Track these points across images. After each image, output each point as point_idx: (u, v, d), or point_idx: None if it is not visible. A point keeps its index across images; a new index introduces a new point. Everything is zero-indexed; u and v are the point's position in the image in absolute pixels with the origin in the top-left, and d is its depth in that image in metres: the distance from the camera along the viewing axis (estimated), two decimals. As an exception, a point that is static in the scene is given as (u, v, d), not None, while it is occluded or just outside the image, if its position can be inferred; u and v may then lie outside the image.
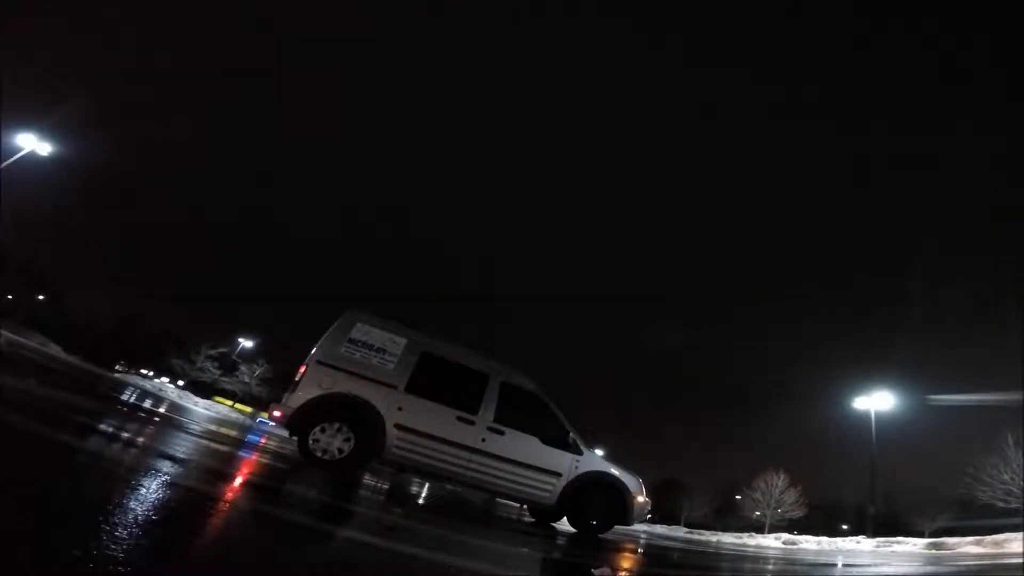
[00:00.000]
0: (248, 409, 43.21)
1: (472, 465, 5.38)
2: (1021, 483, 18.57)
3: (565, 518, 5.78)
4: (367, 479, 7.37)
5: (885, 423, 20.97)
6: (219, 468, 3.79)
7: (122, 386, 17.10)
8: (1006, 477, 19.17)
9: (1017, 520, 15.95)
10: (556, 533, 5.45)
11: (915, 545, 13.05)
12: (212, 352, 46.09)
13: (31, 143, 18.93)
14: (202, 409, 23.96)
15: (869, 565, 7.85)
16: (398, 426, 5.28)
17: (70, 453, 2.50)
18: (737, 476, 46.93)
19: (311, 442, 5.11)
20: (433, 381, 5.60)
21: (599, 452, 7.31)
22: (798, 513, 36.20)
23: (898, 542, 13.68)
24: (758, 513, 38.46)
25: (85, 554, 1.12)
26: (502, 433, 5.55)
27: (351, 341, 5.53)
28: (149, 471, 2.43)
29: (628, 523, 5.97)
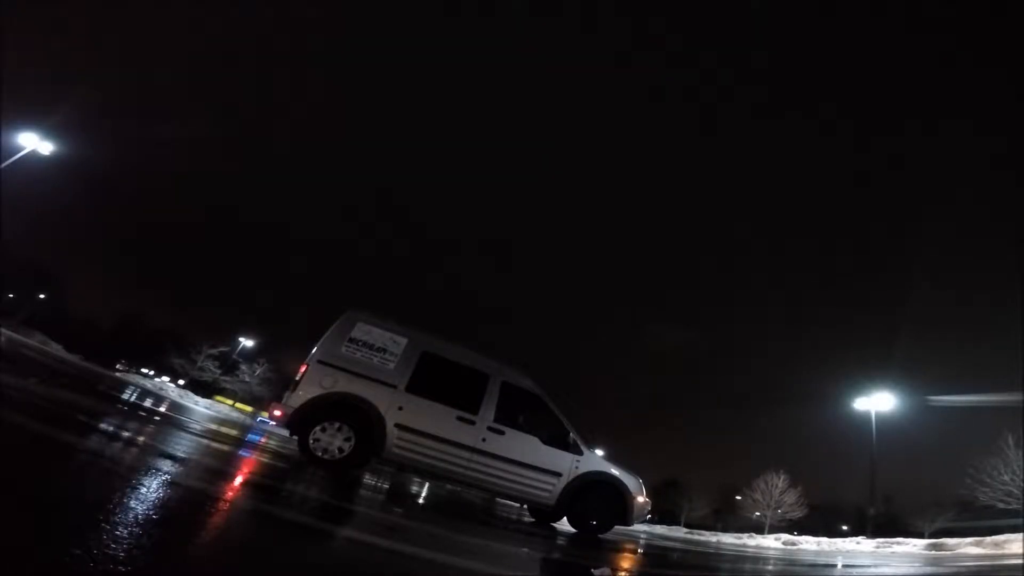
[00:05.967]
0: (249, 408, 43.23)
1: (472, 465, 5.38)
2: (1021, 484, 18.56)
3: (565, 518, 5.78)
4: (367, 479, 7.37)
5: (885, 424, 20.98)
6: (219, 467, 3.79)
7: (123, 385, 17.11)
8: (1006, 478, 19.16)
9: (1017, 521, 15.91)
10: (556, 533, 5.44)
11: (915, 546, 13.07)
12: (212, 351, 45.97)
13: (32, 142, 18.93)
14: (203, 408, 23.96)
15: (869, 566, 7.85)
16: (398, 426, 5.29)
17: (71, 452, 2.50)
18: (737, 476, 47.03)
19: (311, 441, 5.12)
20: (434, 381, 5.60)
21: (599, 452, 7.31)
22: (798, 513, 36.14)
23: (898, 543, 13.70)
24: (758, 513, 38.40)
25: (85, 554, 1.12)
26: (502, 433, 5.55)
27: (352, 340, 5.53)
28: (150, 470, 2.43)
29: (628, 523, 5.97)
